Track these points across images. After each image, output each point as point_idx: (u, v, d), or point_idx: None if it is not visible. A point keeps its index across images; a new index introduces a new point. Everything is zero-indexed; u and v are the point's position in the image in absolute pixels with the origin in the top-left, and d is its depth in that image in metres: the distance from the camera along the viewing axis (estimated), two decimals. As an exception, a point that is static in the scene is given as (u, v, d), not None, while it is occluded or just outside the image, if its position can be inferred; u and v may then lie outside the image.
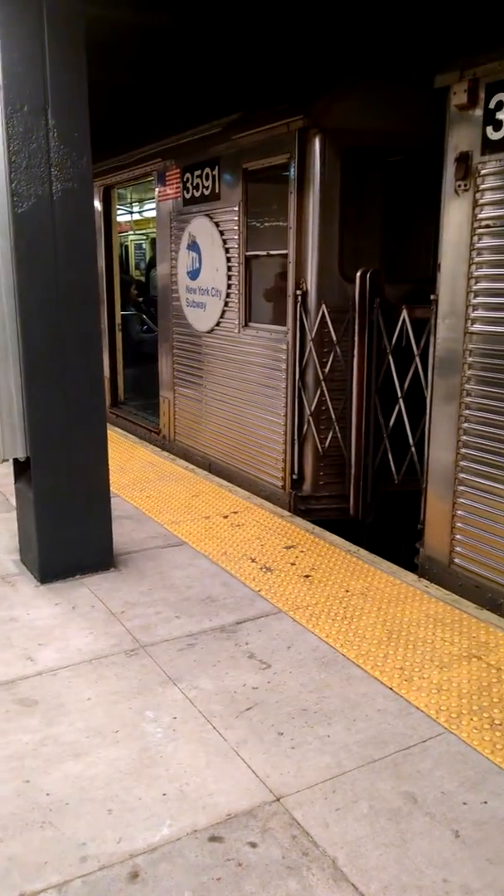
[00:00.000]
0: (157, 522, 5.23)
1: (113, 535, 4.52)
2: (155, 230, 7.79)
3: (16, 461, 4.29)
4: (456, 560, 4.31)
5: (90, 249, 4.16)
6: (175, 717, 3.02)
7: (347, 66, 5.38)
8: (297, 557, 4.63)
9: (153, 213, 7.66)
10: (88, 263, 4.15)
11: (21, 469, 4.32)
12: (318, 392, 5.41)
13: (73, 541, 4.31)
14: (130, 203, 15.78)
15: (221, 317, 6.37)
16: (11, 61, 3.71)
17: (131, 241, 17.35)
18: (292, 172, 5.28)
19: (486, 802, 2.54)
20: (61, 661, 3.45)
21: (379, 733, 2.90)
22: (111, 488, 4.49)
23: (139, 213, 16.28)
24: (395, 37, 5.55)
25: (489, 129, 3.84)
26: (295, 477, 5.65)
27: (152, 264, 10.37)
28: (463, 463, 4.20)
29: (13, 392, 4.05)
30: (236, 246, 6.06)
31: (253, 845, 2.36)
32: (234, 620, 3.82)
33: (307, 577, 4.35)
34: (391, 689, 3.20)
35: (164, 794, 2.58)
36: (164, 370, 7.62)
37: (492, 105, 3.81)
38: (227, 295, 6.24)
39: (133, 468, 6.59)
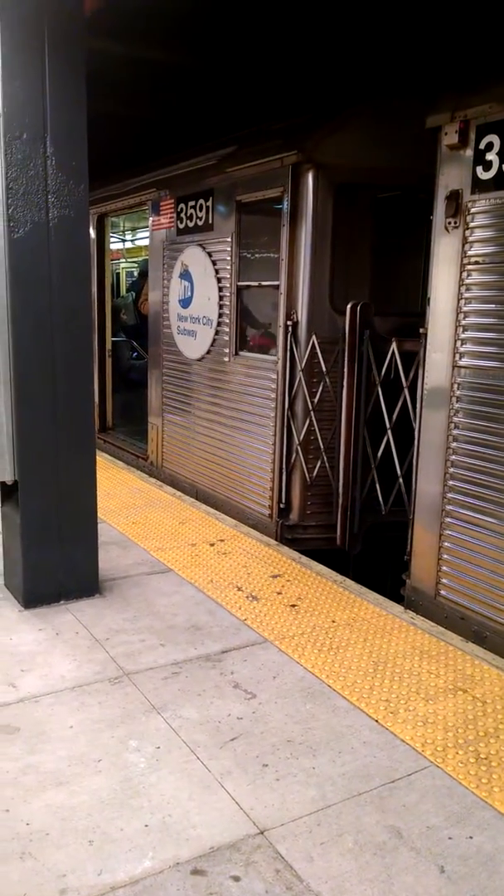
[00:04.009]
0: (144, 549, 5.21)
1: (99, 561, 4.49)
2: (147, 258, 7.87)
3: (3, 484, 4.27)
4: (442, 592, 4.31)
5: (84, 276, 4.19)
6: (158, 747, 2.98)
7: (341, 103, 5.50)
8: (283, 587, 4.61)
9: (145, 242, 7.74)
10: (82, 290, 4.18)
11: (8, 492, 4.30)
12: (307, 422, 5.44)
13: (59, 566, 4.28)
14: (123, 231, 15.93)
15: (212, 345, 6.41)
16: (13, 89, 3.77)
17: (123, 268, 17.48)
18: (285, 206, 5.36)
19: (471, 837, 2.52)
20: (44, 687, 3.41)
21: (364, 766, 2.88)
22: (98, 514, 4.48)
23: (131, 241, 16.43)
24: (389, 75, 5.70)
25: (479, 169, 3.93)
26: (282, 506, 5.66)
27: (133, 287, 10.35)
28: (450, 495, 4.23)
29: (3, 415, 4.04)
30: (228, 276, 6.12)
31: (236, 879, 2.32)
32: (220, 649, 3.80)
33: (293, 606, 4.33)
34: (377, 721, 3.18)
35: (147, 826, 2.54)
36: (153, 396, 7.64)
37: (482, 146, 3.90)
38: (219, 324, 6.29)
39: (120, 494, 6.57)
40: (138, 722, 3.15)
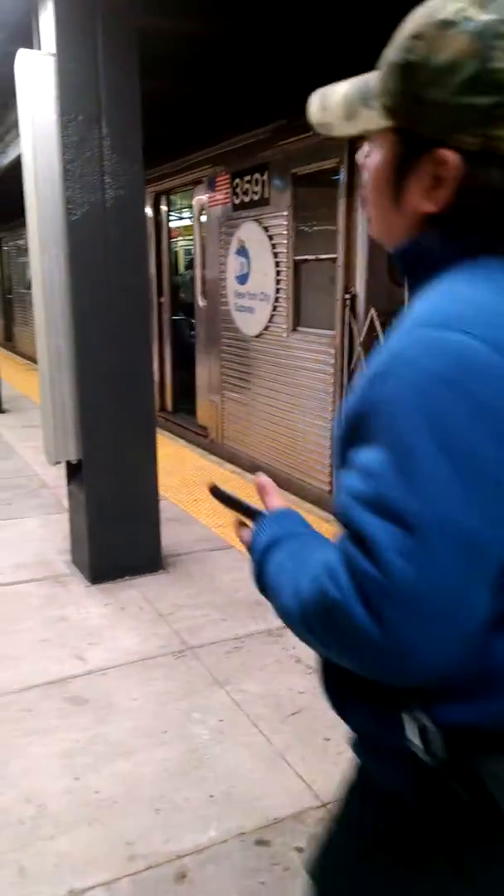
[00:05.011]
0: (204, 525, 5.27)
1: (161, 537, 4.56)
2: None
3: (68, 463, 4.37)
4: None
5: (141, 255, 4.22)
6: (222, 720, 3.03)
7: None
8: (344, 562, 4.60)
9: (203, 219, 7.74)
10: (139, 269, 4.21)
11: (73, 471, 4.40)
12: (367, 396, 5.38)
13: (123, 542, 4.37)
14: (180, 209, 15.94)
15: (270, 321, 6.39)
16: (67, 72, 3.79)
17: (181, 246, 17.49)
18: (342, 177, 5.27)
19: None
20: (110, 660, 3.50)
21: (427, 742, 2.87)
22: (160, 491, 4.55)
23: (189, 218, 16.43)
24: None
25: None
26: (342, 481, 5.62)
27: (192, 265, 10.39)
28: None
29: (66, 396, 4.13)
30: (285, 251, 6.07)
31: (299, 850, 2.36)
32: (281, 624, 3.80)
33: (354, 582, 4.32)
34: (440, 697, 3.16)
35: (212, 796, 2.60)
36: (212, 374, 7.68)
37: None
38: (276, 299, 6.25)
39: (181, 471, 6.65)
40: (201, 695, 3.21)
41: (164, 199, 8.85)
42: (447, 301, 0.87)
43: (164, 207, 8.94)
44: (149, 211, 8.61)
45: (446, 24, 0.85)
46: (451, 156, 0.87)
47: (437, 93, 0.86)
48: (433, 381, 0.78)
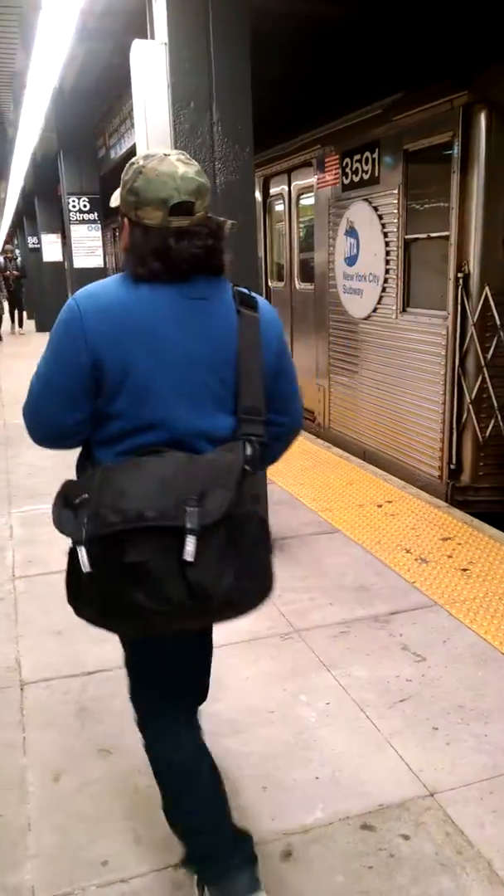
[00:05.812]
0: (311, 509, 5.28)
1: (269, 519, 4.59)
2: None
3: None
4: None
5: (250, 239, 4.24)
6: (328, 703, 3.05)
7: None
8: (454, 550, 4.51)
9: (311, 202, 7.68)
10: (248, 253, 4.23)
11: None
12: (480, 379, 5.21)
13: (231, 524, 4.43)
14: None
15: (378, 302, 6.28)
16: (179, 59, 3.84)
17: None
18: (456, 151, 5.09)
19: None
20: (222, 639, 3.53)
21: (541, 737, 2.78)
22: (267, 474, 4.57)
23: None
24: None
25: None
26: (453, 467, 5.49)
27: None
28: None
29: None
30: (395, 230, 5.94)
31: (405, 837, 2.35)
32: (388, 611, 3.79)
33: (465, 570, 4.22)
34: None
35: (317, 778, 2.62)
36: (319, 357, 7.64)
37: None
38: (385, 280, 6.14)
39: (288, 455, 6.65)
40: (308, 677, 3.23)
41: (272, 183, 8.82)
42: (90, 286, 1.83)
43: (274, 190, 8.91)
44: (258, 195, 8.61)
45: (131, 163, 1.83)
46: (126, 223, 1.86)
47: (123, 192, 1.83)
48: (59, 320, 1.81)
